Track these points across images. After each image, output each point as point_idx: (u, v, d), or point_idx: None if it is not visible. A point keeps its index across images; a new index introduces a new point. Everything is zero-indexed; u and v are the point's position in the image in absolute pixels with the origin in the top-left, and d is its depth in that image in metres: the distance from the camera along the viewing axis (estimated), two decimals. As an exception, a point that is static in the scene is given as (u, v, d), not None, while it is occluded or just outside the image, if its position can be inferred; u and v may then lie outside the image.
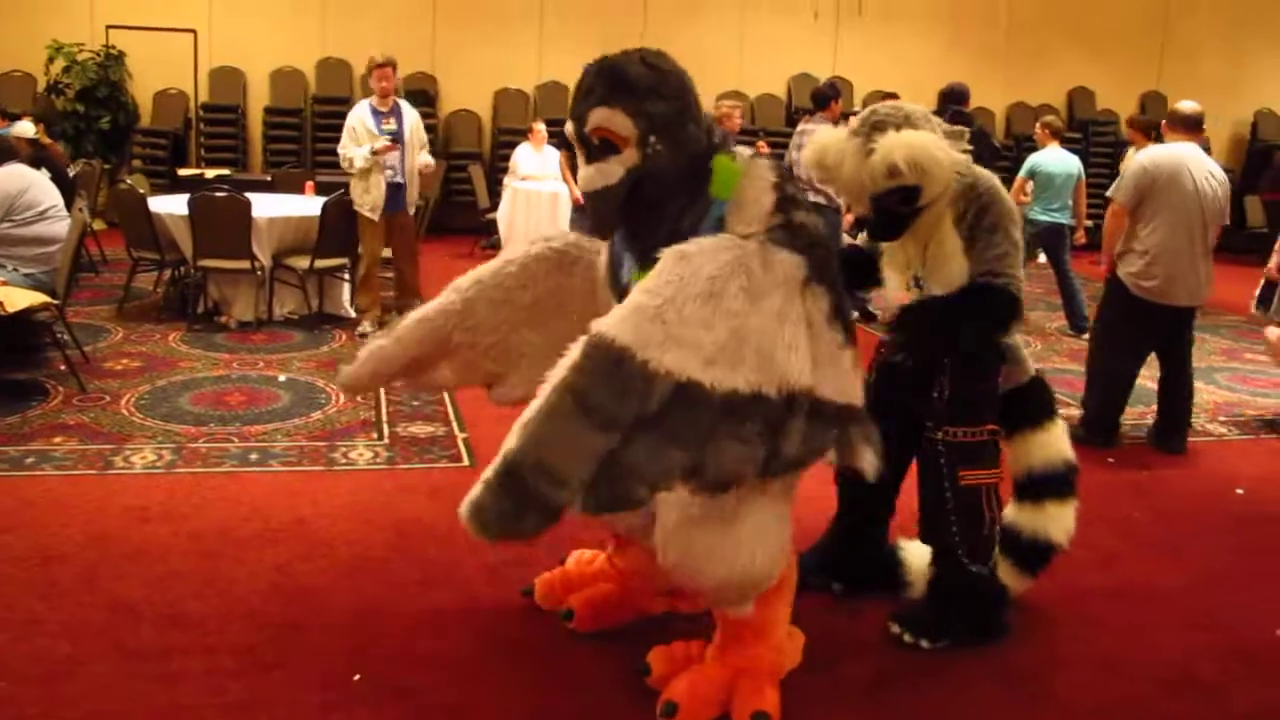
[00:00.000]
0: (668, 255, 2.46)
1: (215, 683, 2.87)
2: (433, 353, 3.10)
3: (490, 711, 2.83)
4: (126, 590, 3.35)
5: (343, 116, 11.93)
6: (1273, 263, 6.55)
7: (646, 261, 2.65)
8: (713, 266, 2.41)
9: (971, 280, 3.10)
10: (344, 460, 4.62)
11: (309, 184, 8.65)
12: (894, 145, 2.96)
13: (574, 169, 7.81)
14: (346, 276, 7.42)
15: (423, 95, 12.10)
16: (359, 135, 6.77)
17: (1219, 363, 7.68)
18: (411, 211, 7.10)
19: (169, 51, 11.41)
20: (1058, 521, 3.41)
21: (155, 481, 4.27)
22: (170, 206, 7.11)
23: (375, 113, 6.85)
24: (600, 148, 2.61)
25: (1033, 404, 3.38)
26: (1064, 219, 8.24)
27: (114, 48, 11.26)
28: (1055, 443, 3.40)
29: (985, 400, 3.23)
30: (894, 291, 3.34)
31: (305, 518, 3.97)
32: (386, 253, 7.12)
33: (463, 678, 2.96)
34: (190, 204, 6.73)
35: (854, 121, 3.17)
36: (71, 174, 8.56)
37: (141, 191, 7.42)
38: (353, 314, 7.49)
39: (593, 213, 2.76)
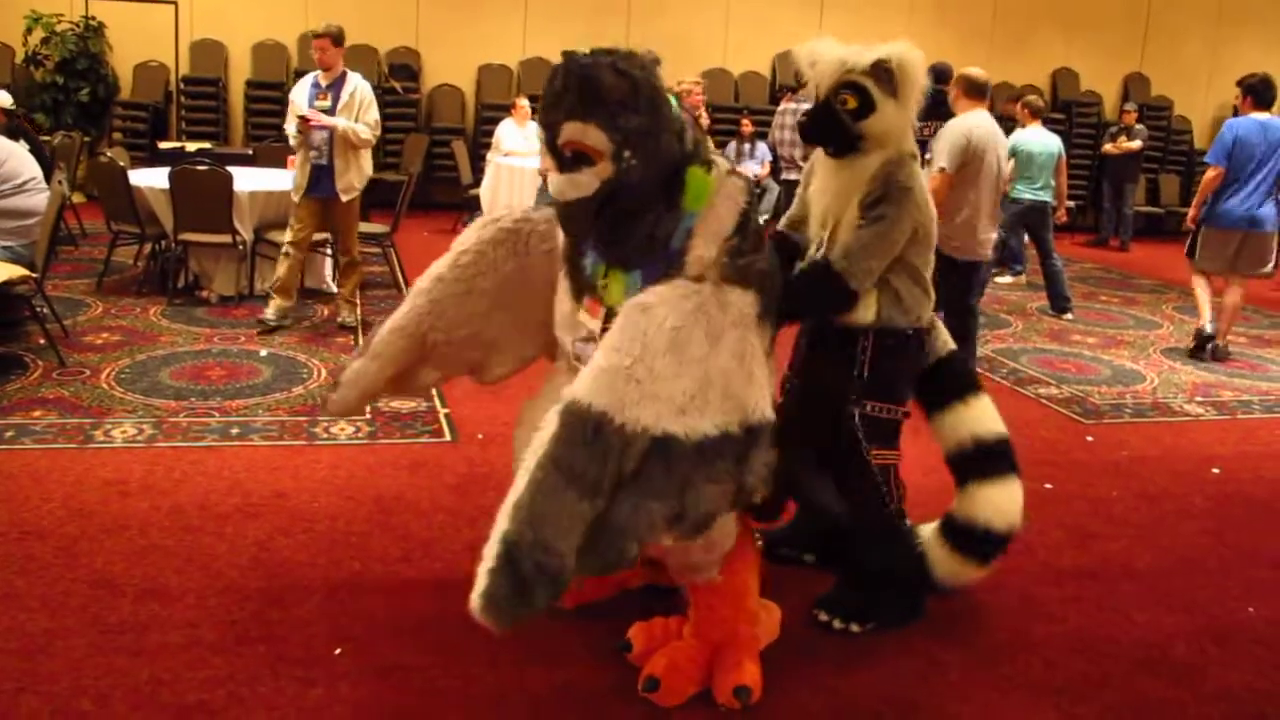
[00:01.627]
0: (629, 308, 2.47)
1: (196, 656, 2.87)
2: (413, 359, 3.09)
3: (472, 686, 2.84)
4: (106, 565, 3.34)
5: (325, 91, 11.84)
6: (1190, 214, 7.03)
7: (615, 265, 2.70)
8: (675, 317, 2.43)
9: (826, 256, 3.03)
10: (325, 435, 4.61)
11: (290, 158, 8.56)
12: (898, 47, 2.97)
13: None
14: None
15: (406, 70, 12.04)
16: (291, 111, 6.38)
17: (1198, 344, 7.71)
18: (347, 199, 6.27)
19: (149, 23, 11.31)
20: (984, 502, 3.26)
21: (135, 456, 4.26)
22: (150, 180, 7.06)
23: (315, 86, 6.32)
24: (573, 159, 2.57)
25: (945, 382, 3.31)
26: (1046, 198, 8.26)
27: (94, 19, 11.14)
28: (964, 422, 3.28)
29: (902, 379, 3.22)
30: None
31: (286, 492, 3.97)
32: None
33: (444, 652, 2.97)
34: (171, 177, 6.68)
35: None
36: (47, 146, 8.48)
37: (121, 164, 7.35)
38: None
39: (564, 221, 2.75)
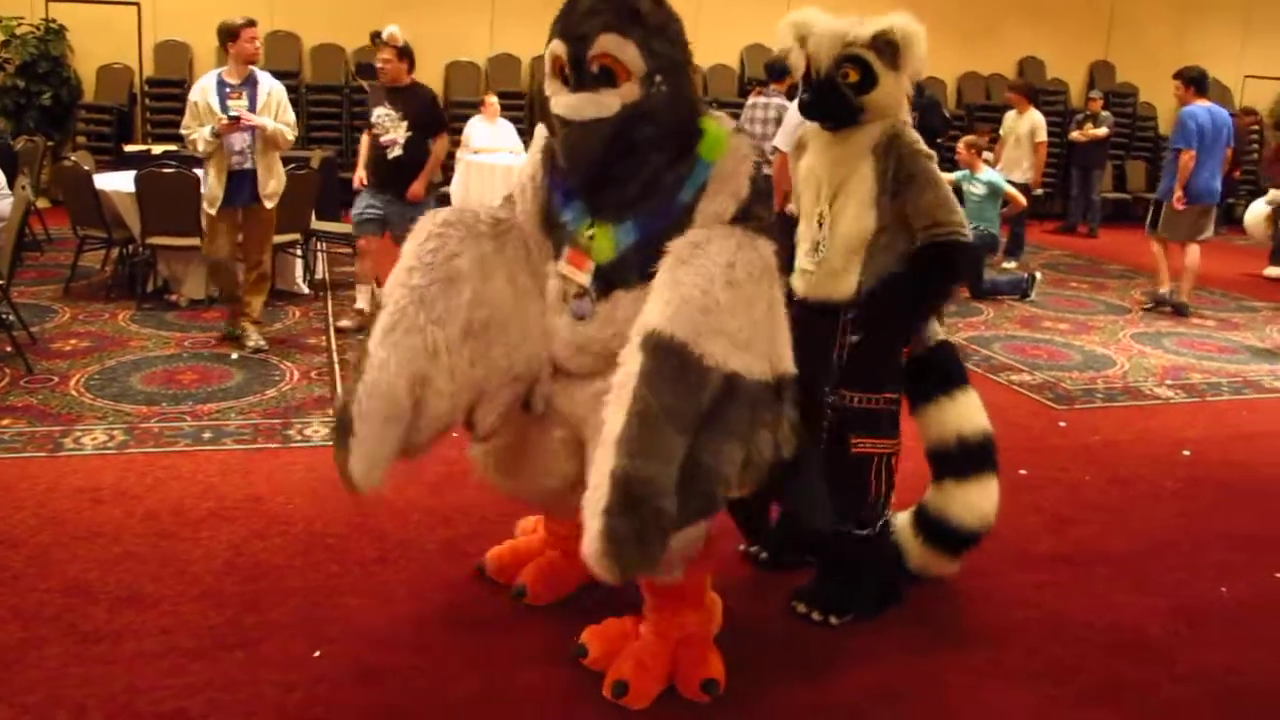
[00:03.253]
0: (679, 246, 2.40)
1: (173, 664, 2.85)
2: (419, 369, 2.60)
3: (451, 687, 2.84)
4: (80, 572, 3.31)
5: (293, 90, 11.75)
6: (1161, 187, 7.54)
7: (605, 216, 2.57)
8: (726, 254, 2.37)
9: (919, 242, 3.02)
10: (299, 437, 4.59)
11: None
12: (901, 19, 2.97)
13: None
14: (299, 252, 7.34)
15: (372, 69, 11.96)
16: (200, 112, 5.68)
17: (1166, 328, 7.80)
18: (271, 205, 5.89)
19: (112, 25, 11.19)
20: (959, 501, 3.25)
21: (107, 462, 4.22)
22: (116, 183, 6.99)
23: (223, 85, 5.74)
24: (598, 76, 2.45)
25: (932, 374, 3.25)
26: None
27: (55, 21, 11.00)
28: (949, 418, 3.24)
29: (895, 368, 3.17)
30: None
31: (261, 495, 3.94)
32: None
33: (423, 653, 2.96)
34: (137, 180, 6.62)
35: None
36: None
37: (86, 168, 7.28)
38: (306, 290, 7.43)
39: (570, 147, 2.53)
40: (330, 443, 3.84)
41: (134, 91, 11.45)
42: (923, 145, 3.07)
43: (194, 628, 3.03)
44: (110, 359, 5.65)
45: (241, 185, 5.76)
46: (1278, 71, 15.12)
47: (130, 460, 4.25)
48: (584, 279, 2.64)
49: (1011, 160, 9.62)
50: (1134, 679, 3.05)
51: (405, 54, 6.37)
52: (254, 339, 5.91)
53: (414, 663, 2.92)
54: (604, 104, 2.45)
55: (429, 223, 2.75)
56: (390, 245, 5.83)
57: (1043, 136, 9.84)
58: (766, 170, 2.71)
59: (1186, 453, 5.00)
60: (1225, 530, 4.13)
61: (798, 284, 3.17)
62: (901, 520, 3.41)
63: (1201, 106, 8.04)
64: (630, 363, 2.29)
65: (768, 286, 2.45)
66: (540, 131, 2.83)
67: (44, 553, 3.43)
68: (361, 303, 6.53)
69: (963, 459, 3.24)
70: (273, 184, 5.87)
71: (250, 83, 5.80)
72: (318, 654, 2.92)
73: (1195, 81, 8.23)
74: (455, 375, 2.65)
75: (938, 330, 3.29)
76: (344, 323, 6.50)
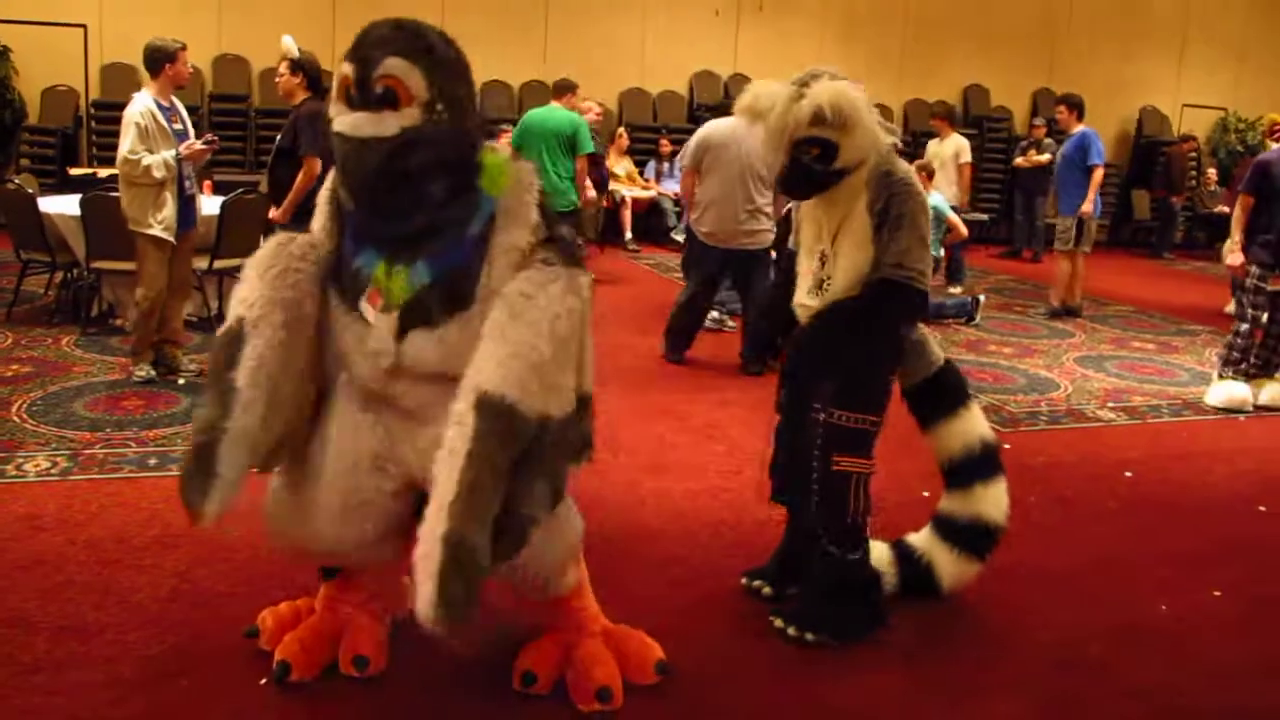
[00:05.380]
0: (510, 297, 2.43)
1: (116, 694, 2.81)
2: (278, 410, 2.64)
3: (404, 711, 2.82)
4: (20, 602, 3.25)
5: (242, 114, 11.70)
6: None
7: (396, 259, 2.57)
8: (554, 305, 2.43)
9: (878, 275, 3.12)
10: (247, 464, 4.54)
11: (206, 183, 8.44)
12: (824, 90, 3.04)
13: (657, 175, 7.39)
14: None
15: (323, 92, 11.92)
16: (154, 136, 5.50)
17: (1108, 351, 7.96)
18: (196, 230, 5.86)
19: (58, 47, 11.06)
20: (989, 501, 3.48)
21: (49, 489, 4.16)
22: (61, 207, 6.91)
23: (163, 109, 5.61)
24: (381, 97, 2.47)
25: (945, 392, 3.45)
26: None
27: (-2, 43, 10.89)
28: (971, 428, 3.47)
29: (876, 389, 3.25)
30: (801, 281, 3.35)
31: (207, 523, 3.89)
32: None
33: (369, 679, 2.94)
34: (82, 204, 6.54)
35: (794, 76, 3.19)
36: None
37: (30, 191, 7.19)
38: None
39: (349, 166, 2.53)
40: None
41: (80, 114, 11.32)
42: (915, 182, 3.20)
43: (138, 657, 2.99)
44: (53, 384, 5.57)
45: (189, 210, 5.71)
46: (1213, 100, 15.51)
47: (74, 487, 4.19)
48: (380, 316, 2.61)
49: (939, 184, 9.80)
50: (1076, 695, 3.10)
51: (299, 68, 5.96)
52: (190, 367, 5.87)
53: (364, 688, 2.90)
54: (384, 123, 2.48)
55: (281, 251, 2.68)
56: None
57: (967, 157, 10.11)
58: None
59: (1128, 473, 5.10)
60: (1165, 549, 4.22)
61: (800, 315, 3.34)
62: (922, 542, 3.54)
63: (1090, 129, 9.09)
64: (464, 423, 2.34)
65: (581, 324, 2.53)
66: (329, 180, 2.80)
67: (-17, 582, 3.37)
68: None
69: (986, 463, 3.48)
70: (200, 205, 5.82)
71: (174, 106, 5.73)
72: (264, 681, 2.89)
73: (1079, 107, 9.13)
74: (286, 413, 2.69)
75: (940, 353, 3.45)
76: None
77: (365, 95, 2.50)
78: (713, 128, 6.59)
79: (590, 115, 9.42)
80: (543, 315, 2.41)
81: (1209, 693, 3.18)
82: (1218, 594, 3.82)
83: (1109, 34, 14.94)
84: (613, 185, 11.29)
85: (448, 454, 2.33)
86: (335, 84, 2.59)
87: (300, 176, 5.78)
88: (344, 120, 2.52)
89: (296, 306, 2.64)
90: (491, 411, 2.33)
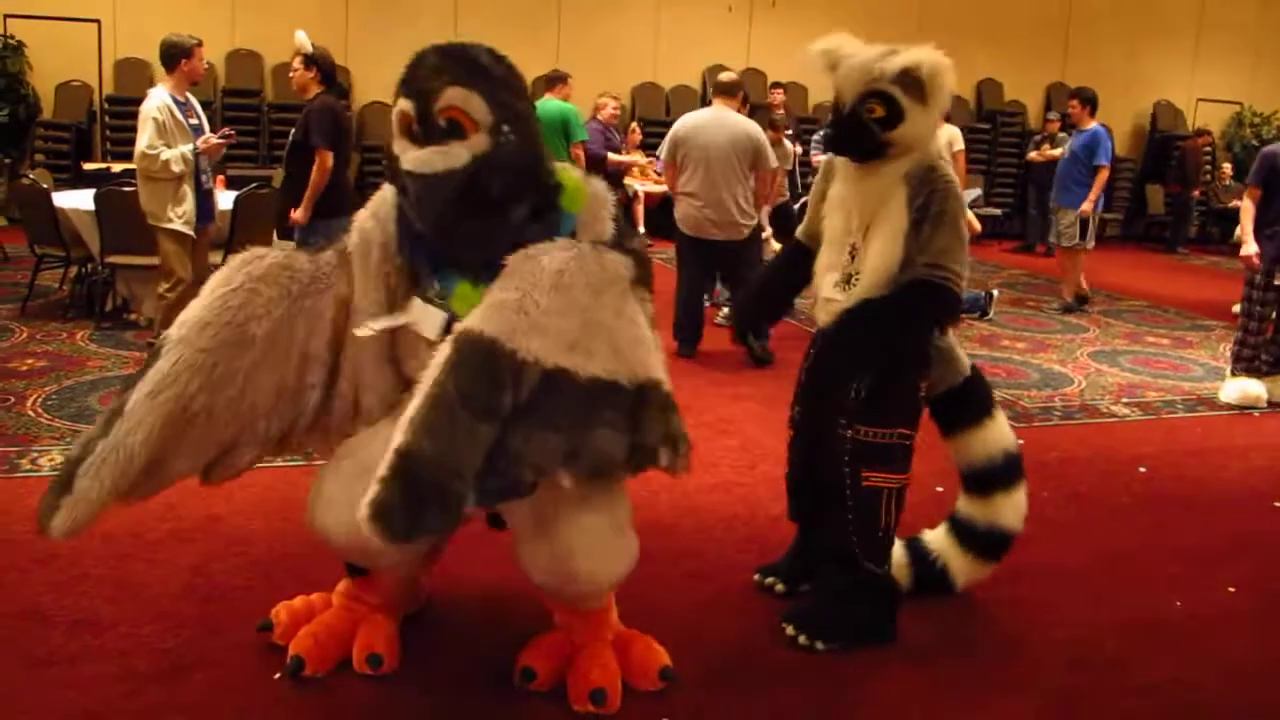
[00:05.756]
0: (515, 257, 2.46)
1: (130, 687, 2.82)
2: (171, 435, 2.55)
3: (409, 708, 2.83)
4: (35, 596, 3.27)
5: (255, 109, 11.74)
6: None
7: (483, 274, 2.53)
8: (558, 262, 2.43)
9: (911, 274, 2.98)
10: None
11: (219, 178, 8.47)
12: (926, 53, 3.00)
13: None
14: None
15: (337, 87, 11.94)
16: (171, 132, 5.58)
17: (1122, 346, 7.93)
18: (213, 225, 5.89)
19: (72, 42, 11.11)
20: (1007, 509, 3.45)
21: (64, 484, 4.17)
22: (75, 201, 6.94)
23: (180, 104, 5.68)
24: (446, 129, 2.49)
25: (970, 402, 3.38)
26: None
27: (13, 37, 10.92)
28: (994, 437, 3.41)
29: (900, 403, 3.15)
30: (823, 279, 3.22)
31: (220, 515, 3.91)
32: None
33: (379, 676, 2.94)
34: (96, 199, 6.57)
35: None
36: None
37: (45, 186, 7.22)
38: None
39: (424, 202, 2.54)
40: (291, 464, 3.85)
41: (93, 109, 11.37)
42: (957, 183, 3.08)
43: (152, 650, 3.00)
44: (68, 379, 5.60)
45: (207, 204, 5.75)
46: (1228, 94, 15.43)
47: (88, 481, 4.20)
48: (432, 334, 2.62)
49: None
50: (1089, 692, 3.09)
51: (313, 62, 5.89)
52: None
53: (377, 685, 2.91)
54: (453, 155, 2.48)
55: (242, 270, 2.66)
56: None
57: (959, 145, 10.06)
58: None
59: (1142, 469, 5.08)
60: (1179, 545, 4.20)
61: (820, 315, 3.20)
62: (938, 542, 3.52)
63: (1100, 126, 9.03)
64: (438, 356, 2.36)
65: (615, 296, 2.51)
66: (380, 195, 2.81)
67: (-1, 575, 3.39)
68: None
69: (1008, 472, 3.43)
70: (217, 198, 5.82)
71: (189, 101, 5.74)
72: (277, 676, 2.90)
73: (1092, 102, 9.01)
74: (206, 441, 2.64)
75: (967, 362, 3.38)
76: None
77: (429, 130, 2.50)
78: (686, 121, 6.69)
79: (607, 111, 9.54)
80: (541, 268, 2.41)
81: (1224, 689, 3.16)
82: (1232, 590, 3.80)
83: (1123, 27, 14.87)
84: (625, 180, 11.28)
85: (423, 380, 2.34)
86: (395, 121, 2.59)
87: (315, 172, 5.77)
88: (411, 157, 2.52)
89: (236, 327, 2.58)
90: (467, 345, 2.33)
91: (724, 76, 6.80)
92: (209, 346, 2.55)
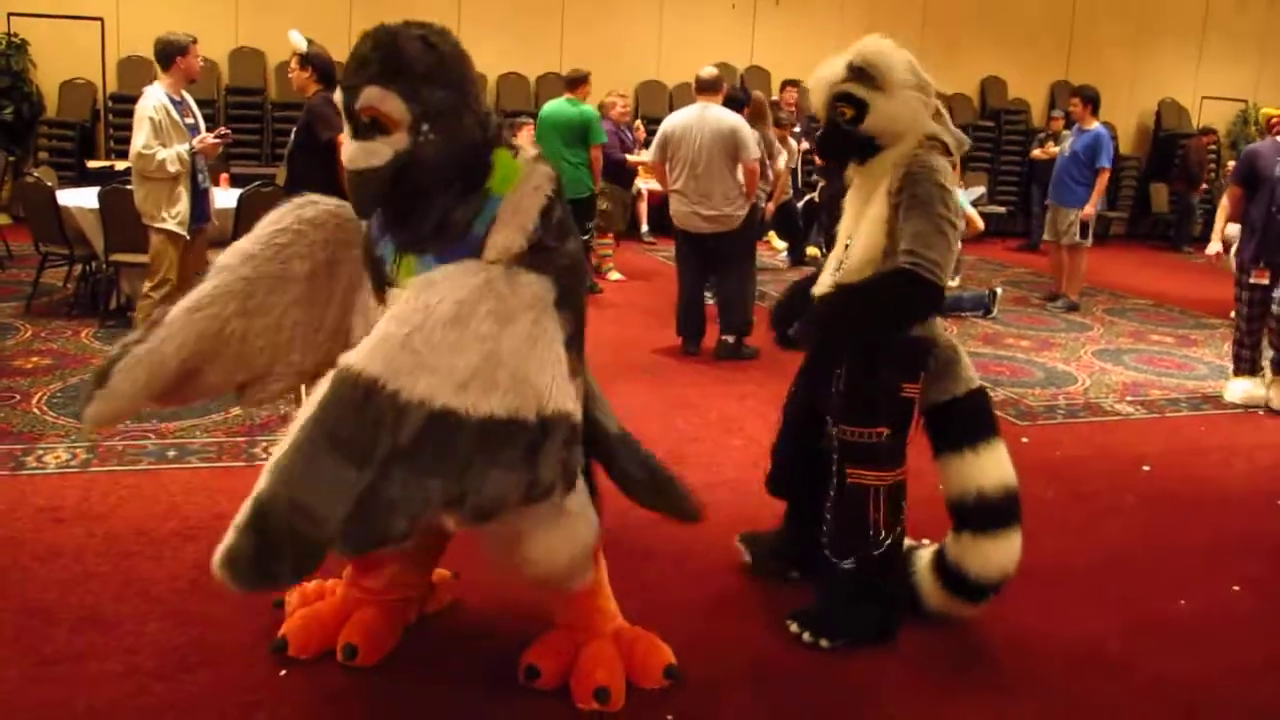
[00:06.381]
0: (415, 283, 2.43)
1: (136, 684, 2.82)
2: (206, 349, 2.72)
3: (420, 705, 2.83)
4: (39, 593, 3.27)
5: (258, 108, 11.73)
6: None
7: (408, 249, 2.61)
8: (460, 291, 2.36)
9: (892, 262, 3.01)
10: (264, 455, 4.55)
11: (223, 176, 8.49)
12: (864, 43, 3.07)
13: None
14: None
15: (336, 83, 11.93)
16: (166, 131, 5.51)
17: (1126, 345, 7.92)
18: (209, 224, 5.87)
19: (75, 40, 11.11)
20: (971, 553, 3.21)
21: (69, 481, 4.18)
22: (79, 199, 6.94)
23: (176, 103, 5.61)
24: (369, 126, 2.50)
25: (957, 424, 3.21)
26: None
27: (16, 36, 10.92)
28: (970, 472, 3.19)
29: (879, 401, 3.13)
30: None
31: (225, 514, 3.85)
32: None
33: (392, 672, 2.95)
34: (100, 197, 6.57)
35: None
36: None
37: (49, 184, 7.22)
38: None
39: (354, 192, 2.60)
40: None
41: (97, 107, 11.37)
42: (941, 171, 3.05)
43: (157, 648, 3.00)
44: (72, 376, 5.60)
45: (203, 204, 5.70)
46: (1233, 93, 15.40)
47: (93, 479, 4.22)
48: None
49: None
50: (1094, 692, 3.09)
51: (308, 62, 5.83)
52: None
53: (383, 681, 2.91)
54: (376, 152, 2.50)
55: (294, 212, 2.82)
56: None
57: (965, 144, 10.05)
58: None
59: (1146, 468, 5.07)
60: (1184, 543, 4.20)
61: (814, 320, 3.28)
62: (923, 559, 3.40)
63: (1103, 126, 9.06)
64: (316, 391, 2.33)
65: (528, 324, 2.40)
66: None
67: (3, 573, 3.39)
68: None
69: (982, 514, 3.19)
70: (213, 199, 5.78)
71: (185, 100, 5.68)
72: (283, 673, 2.91)
73: (1094, 100, 9.01)
74: (240, 361, 2.77)
75: (974, 376, 3.24)
76: None
77: (355, 125, 2.53)
78: (672, 120, 6.78)
79: (616, 110, 9.57)
80: (438, 298, 2.34)
81: (1229, 689, 3.16)
82: (1237, 589, 3.80)
83: (1127, 25, 14.84)
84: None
85: (297, 418, 2.31)
86: (342, 111, 2.62)
87: (339, 159, 5.78)
88: (345, 150, 2.57)
89: (278, 263, 2.74)
90: (344, 384, 2.27)
91: (704, 73, 6.80)
92: (250, 276, 2.72)
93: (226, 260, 2.75)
